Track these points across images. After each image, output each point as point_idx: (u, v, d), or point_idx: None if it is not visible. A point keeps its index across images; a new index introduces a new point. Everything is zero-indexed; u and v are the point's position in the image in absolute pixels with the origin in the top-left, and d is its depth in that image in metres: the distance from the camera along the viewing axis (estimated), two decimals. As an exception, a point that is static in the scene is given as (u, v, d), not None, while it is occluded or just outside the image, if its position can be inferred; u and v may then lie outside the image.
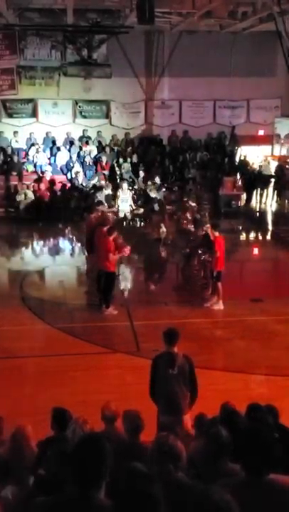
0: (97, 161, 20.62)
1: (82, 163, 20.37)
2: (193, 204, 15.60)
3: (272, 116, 22.72)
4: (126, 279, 13.18)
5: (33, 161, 20.41)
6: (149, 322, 9.96)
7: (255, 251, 17.24)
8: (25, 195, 18.70)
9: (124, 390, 7.42)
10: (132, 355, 8.85)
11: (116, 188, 18.77)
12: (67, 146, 20.95)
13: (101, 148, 21.30)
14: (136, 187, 19.42)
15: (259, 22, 18.72)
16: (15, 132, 21.01)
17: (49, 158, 20.64)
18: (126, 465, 3.08)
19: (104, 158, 20.65)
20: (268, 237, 18.61)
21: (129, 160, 20.84)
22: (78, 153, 20.69)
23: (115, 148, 21.44)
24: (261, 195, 21.21)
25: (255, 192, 21.02)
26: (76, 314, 11.04)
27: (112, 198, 17.95)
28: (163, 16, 17.86)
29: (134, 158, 20.97)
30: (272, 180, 21.00)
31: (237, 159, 22.20)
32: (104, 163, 20.56)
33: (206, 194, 19.22)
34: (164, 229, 15.52)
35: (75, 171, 19.84)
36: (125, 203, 17.30)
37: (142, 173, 19.90)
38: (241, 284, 13.27)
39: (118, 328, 10.33)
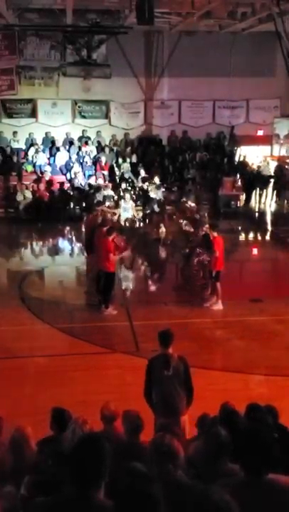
0: (96, 161, 20.63)
1: (82, 164, 20.38)
2: (193, 204, 15.63)
3: (272, 116, 22.75)
4: (125, 279, 13.17)
5: (32, 161, 20.41)
6: (149, 322, 9.94)
7: (255, 251, 17.24)
8: (24, 195, 18.70)
9: (123, 390, 7.41)
10: (132, 355, 8.84)
11: (115, 188, 18.75)
12: (67, 147, 20.96)
13: (100, 148, 21.31)
14: (136, 186, 19.41)
15: (258, 22, 18.75)
16: (14, 132, 21.03)
17: (48, 159, 20.64)
18: (126, 465, 3.08)
19: (103, 159, 20.65)
20: (267, 237, 18.62)
21: (128, 160, 20.85)
22: (78, 154, 20.70)
23: (115, 148, 21.46)
24: (260, 196, 21.23)
25: (254, 192, 21.04)
26: (76, 314, 11.03)
27: (115, 205, 17.53)
28: (162, 17, 17.88)
29: (134, 159, 21.00)
30: (272, 180, 21.02)
31: (236, 159, 22.21)
32: (103, 164, 20.56)
33: (206, 194, 19.25)
34: (163, 229, 15.59)
35: (75, 171, 19.84)
36: (127, 212, 16.91)
37: (142, 172, 19.89)
38: (241, 284, 13.26)
39: (117, 328, 10.33)
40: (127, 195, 17.13)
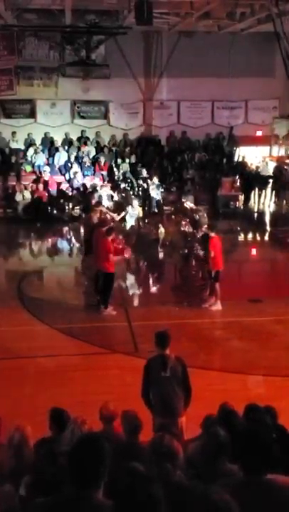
0: (95, 161, 20.63)
1: (81, 164, 20.38)
2: (192, 205, 15.63)
3: (271, 116, 22.77)
4: (124, 280, 13.17)
5: (31, 161, 20.41)
6: (148, 322, 9.94)
7: (253, 251, 17.24)
8: (23, 195, 18.70)
9: (122, 390, 7.40)
10: (131, 355, 8.84)
11: (115, 188, 18.75)
12: (66, 147, 20.95)
13: (99, 148, 21.31)
14: (135, 187, 19.42)
15: (257, 23, 18.75)
16: (13, 133, 21.01)
17: (47, 159, 20.64)
18: (125, 465, 3.09)
19: (102, 159, 20.65)
20: (266, 237, 18.63)
21: (127, 160, 20.85)
22: (77, 154, 20.70)
23: (114, 148, 21.46)
24: (259, 196, 21.23)
25: (253, 192, 21.05)
26: (75, 315, 11.01)
27: (115, 206, 17.28)
28: (161, 17, 17.87)
29: (133, 159, 20.99)
30: (271, 180, 21.03)
31: (235, 160, 22.22)
32: (102, 164, 20.56)
33: (205, 195, 19.26)
34: (162, 229, 15.59)
35: (74, 172, 19.84)
36: (133, 218, 16.49)
37: (144, 172, 19.86)
38: (239, 285, 13.26)
39: (117, 328, 10.33)
40: (135, 202, 16.60)
